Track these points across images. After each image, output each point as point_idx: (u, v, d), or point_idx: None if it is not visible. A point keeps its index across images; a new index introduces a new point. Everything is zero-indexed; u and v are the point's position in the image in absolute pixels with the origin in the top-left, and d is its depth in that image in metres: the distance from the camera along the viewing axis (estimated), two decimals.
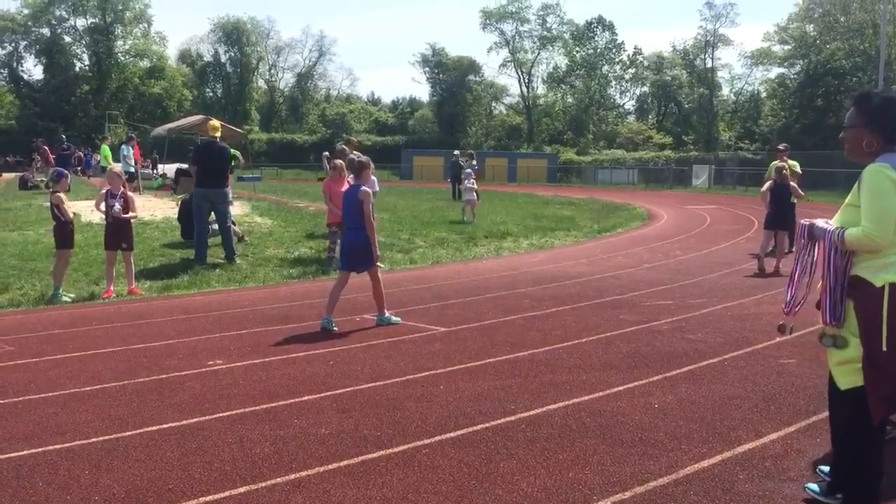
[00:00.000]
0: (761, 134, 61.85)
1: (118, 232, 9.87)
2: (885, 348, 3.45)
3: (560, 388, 5.68)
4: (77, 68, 68.72)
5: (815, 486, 3.77)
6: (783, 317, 3.90)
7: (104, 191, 10.02)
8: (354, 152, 13.45)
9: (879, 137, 3.70)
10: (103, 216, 9.97)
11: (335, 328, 7.71)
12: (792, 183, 12.21)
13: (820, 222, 3.84)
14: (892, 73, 46.66)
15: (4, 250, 12.78)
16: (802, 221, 3.92)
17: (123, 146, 25.55)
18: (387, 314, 8.04)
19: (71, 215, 9.62)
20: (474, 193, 20.18)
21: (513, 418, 5.00)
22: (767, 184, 12.51)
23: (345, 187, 11.72)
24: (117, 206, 9.84)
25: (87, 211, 15.94)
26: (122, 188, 10.03)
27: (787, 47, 61.40)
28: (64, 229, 9.67)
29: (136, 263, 12.12)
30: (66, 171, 10.52)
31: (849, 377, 3.60)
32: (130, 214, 10.11)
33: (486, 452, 4.41)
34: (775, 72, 65.16)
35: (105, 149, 25.07)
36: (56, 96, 64.25)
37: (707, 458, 4.30)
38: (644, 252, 14.63)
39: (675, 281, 10.91)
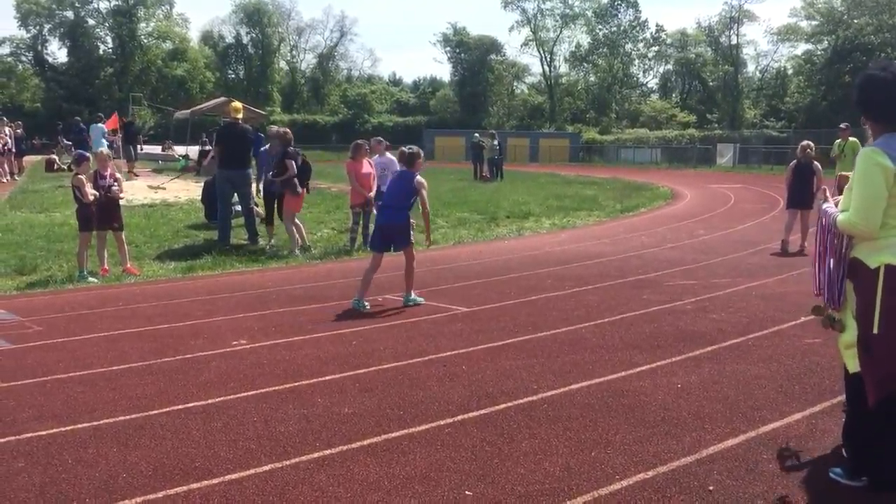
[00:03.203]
0: (787, 112, 60.91)
1: (109, 212, 9.96)
2: (875, 331, 3.41)
3: (583, 367, 5.68)
4: (101, 51, 68.96)
5: (839, 470, 3.75)
6: (811, 298, 3.88)
7: (92, 171, 10.07)
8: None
9: (870, 118, 3.63)
10: (96, 197, 9.93)
11: (367, 307, 7.81)
12: (816, 162, 12.02)
13: (827, 205, 3.81)
14: None
15: (32, 232, 12.95)
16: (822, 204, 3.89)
17: (97, 125, 25.53)
18: (412, 295, 8.08)
19: (91, 197, 9.70)
20: None
21: (535, 398, 5.01)
22: (792, 163, 12.33)
23: (366, 168, 11.80)
24: (115, 187, 9.97)
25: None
26: (109, 169, 10.14)
27: (814, 23, 60.21)
28: (85, 211, 9.76)
29: (161, 244, 12.28)
30: (88, 154, 10.58)
31: (855, 360, 3.58)
32: (122, 194, 10.36)
33: (508, 432, 4.42)
34: (802, 48, 64.03)
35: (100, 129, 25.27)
36: (80, 79, 64.63)
37: (730, 437, 4.29)
38: (667, 232, 14.53)
39: (699, 260, 10.83)
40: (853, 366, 3.60)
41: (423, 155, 8.48)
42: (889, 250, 3.43)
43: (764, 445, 4.17)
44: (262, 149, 12.32)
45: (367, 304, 7.87)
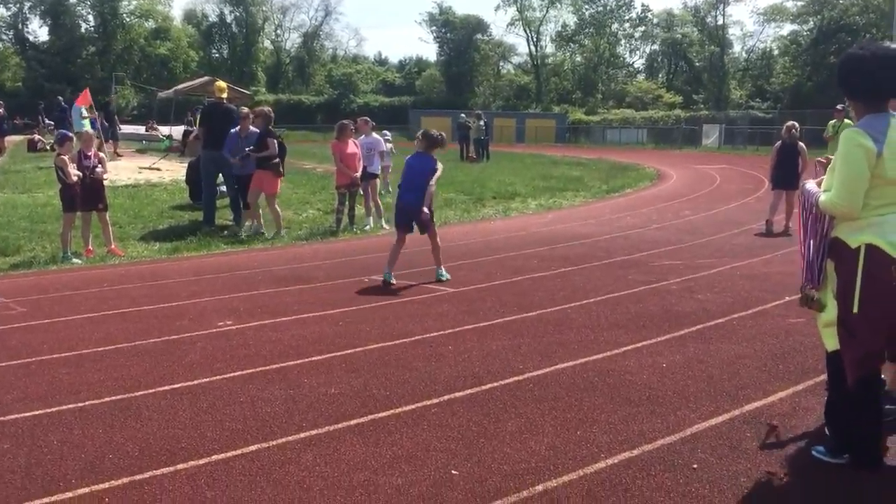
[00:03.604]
0: (773, 92, 61.09)
1: (93, 193, 9.88)
2: (855, 310, 3.44)
3: (568, 347, 5.70)
4: (83, 29, 68.00)
5: (821, 448, 3.79)
6: (796, 278, 3.91)
7: (76, 152, 9.94)
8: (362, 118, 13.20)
9: (853, 97, 3.65)
10: (79, 177, 9.77)
11: (393, 281, 8.01)
12: (801, 143, 12.06)
13: (810, 184, 3.83)
14: None
15: (15, 213, 12.83)
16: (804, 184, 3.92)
17: (76, 107, 25.15)
18: (442, 270, 8.34)
19: (75, 178, 9.60)
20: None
21: (521, 378, 5.03)
22: (777, 144, 12.37)
23: (351, 149, 11.74)
24: (99, 168, 9.89)
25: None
26: (93, 149, 10.05)
27: (799, 3, 60.26)
28: (68, 192, 9.68)
29: (146, 225, 12.21)
30: (71, 134, 10.47)
31: (833, 339, 3.61)
32: (106, 175, 10.28)
33: (494, 411, 4.44)
34: (788, 28, 64.17)
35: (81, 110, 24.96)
36: (62, 58, 63.75)
37: (714, 416, 4.33)
38: (653, 212, 14.57)
39: (684, 241, 10.88)
40: (832, 344, 3.64)
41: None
42: (870, 230, 3.46)
43: (748, 424, 4.22)
44: (232, 130, 11.82)
45: (393, 278, 8.07)
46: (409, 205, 8.20)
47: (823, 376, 4.77)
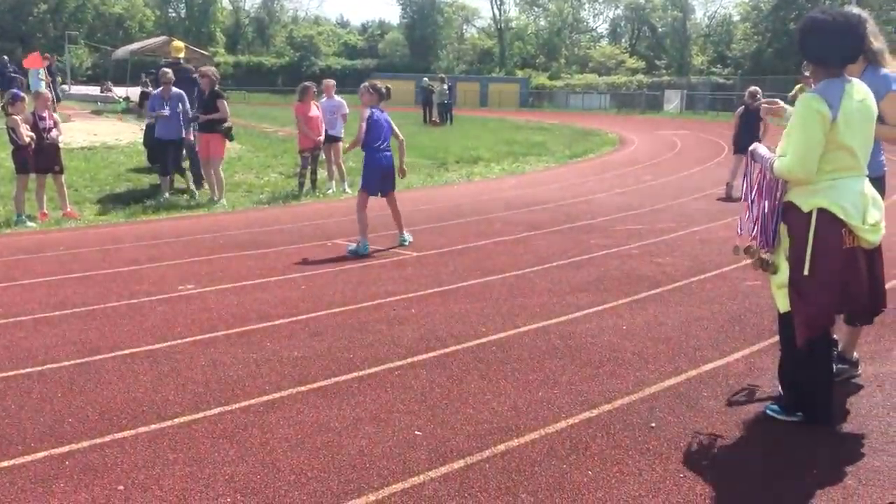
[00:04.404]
0: (733, 58, 61.53)
1: (49, 155, 9.65)
2: (806, 272, 3.53)
3: (530, 311, 5.76)
4: None
5: (775, 407, 3.89)
6: (739, 240, 3.98)
7: (29, 113, 9.66)
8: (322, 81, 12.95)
9: (811, 63, 3.70)
10: (32, 139, 9.48)
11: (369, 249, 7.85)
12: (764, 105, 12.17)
13: (761, 148, 3.88)
14: None
15: None
16: (753, 145, 3.98)
17: (32, 70, 24.43)
18: (406, 234, 8.25)
19: (27, 139, 9.35)
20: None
21: (484, 340, 5.07)
22: (739, 109, 12.50)
23: (314, 111, 11.58)
24: (55, 132, 9.66)
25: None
26: (47, 110, 9.80)
27: None
28: (22, 153, 9.43)
29: (102, 188, 11.97)
30: (23, 94, 10.16)
31: (785, 301, 3.70)
32: (60, 137, 10.06)
33: (457, 374, 4.48)
34: None
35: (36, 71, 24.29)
36: (12, 16, 61.79)
37: (673, 376, 4.42)
38: (615, 177, 14.68)
39: (645, 206, 10.99)
40: (784, 306, 3.72)
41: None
42: (822, 194, 3.53)
43: (704, 384, 4.31)
44: (154, 92, 11.08)
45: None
46: (388, 163, 8.05)
47: (778, 337, 4.90)
